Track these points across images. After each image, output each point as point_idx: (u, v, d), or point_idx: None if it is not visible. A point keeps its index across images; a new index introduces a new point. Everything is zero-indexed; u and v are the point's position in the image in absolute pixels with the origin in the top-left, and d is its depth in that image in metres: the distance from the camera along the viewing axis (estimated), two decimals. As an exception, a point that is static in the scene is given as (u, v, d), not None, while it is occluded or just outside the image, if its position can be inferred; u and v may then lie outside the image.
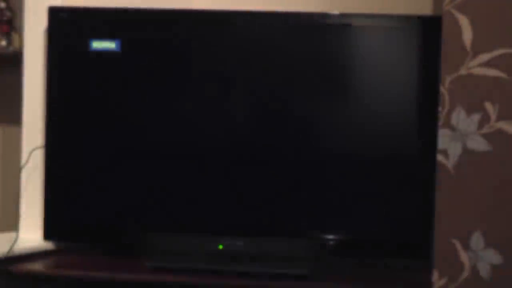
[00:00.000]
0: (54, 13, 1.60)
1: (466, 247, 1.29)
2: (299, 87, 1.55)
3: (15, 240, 1.55)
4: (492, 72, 1.28)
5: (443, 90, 1.30)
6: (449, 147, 1.30)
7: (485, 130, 1.29)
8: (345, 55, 1.55)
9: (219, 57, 1.56)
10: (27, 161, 1.66)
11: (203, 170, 1.56)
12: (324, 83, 1.54)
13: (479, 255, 1.29)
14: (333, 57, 1.55)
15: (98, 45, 1.57)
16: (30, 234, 1.65)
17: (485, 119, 1.29)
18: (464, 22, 1.29)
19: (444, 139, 1.30)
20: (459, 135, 1.30)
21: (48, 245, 1.62)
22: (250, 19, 1.55)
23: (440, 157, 1.31)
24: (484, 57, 1.29)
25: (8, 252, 1.49)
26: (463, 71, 1.30)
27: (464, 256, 1.30)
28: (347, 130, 1.53)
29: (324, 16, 1.54)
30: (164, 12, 1.58)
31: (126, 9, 1.59)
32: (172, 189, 1.56)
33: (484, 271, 1.29)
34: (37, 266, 1.51)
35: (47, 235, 1.61)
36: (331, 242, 1.52)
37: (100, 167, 1.59)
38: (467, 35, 1.29)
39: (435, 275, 1.31)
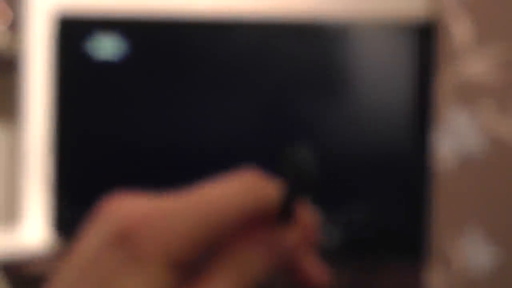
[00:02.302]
0: (55, 13, 1.60)
1: (465, 247, 1.30)
2: (297, 89, 1.55)
3: (15, 240, 1.56)
4: (491, 72, 1.29)
5: (441, 90, 1.31)
6: (446, 147, 1.31)
7: (484, 130, 1.29)
8: (343, 57, 1.55)
9: (218, 60, 1.57)
10: (27, 162, 1.67)
11: (203, 171, 1.56)
12: (323, 85, 1.55)
13: (478, 255, 1.30)
14: (331, 59, 1.55)
15: (98, 45, 1.57)
16: (31, 234, 1.65)
17: (483, 119, 1.29)
18: (462, 22, 1.30)
19: (441, 139, 1.31)
20: (458, 135, 1.30)
21: (50, 245, 1.63)
22: (248, 22, 1.56)
23: (438, 157, 1.31)
24: (483, 57, 1.29)
25: (8, 252, 1.49)
26: (460, 71, 1.30)
27: (463, 256, 1.30)
28: (344, 131, 1.54)
29: (321, 18, 1.55)
30: (166, 14, 1.59)
31: (128, 11, 1.60)
32: (173, 189, 1.57)
33: (483, 270, 1.30)
34: (37, 266, 1.52)
35: (47, 235, 1.62)
36: (330, 242, 1.53)
37: (100, 167, 1.60)
38: (465, 35, 1.30)
39: (433, 275, 1.31)
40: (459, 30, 1.30)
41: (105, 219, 0.28)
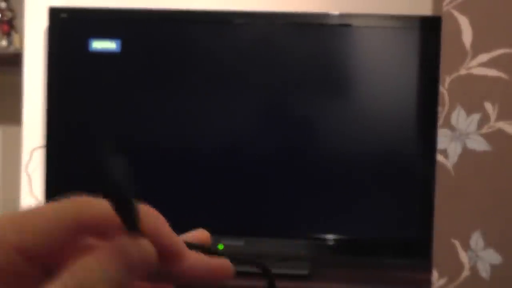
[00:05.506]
0: (54, 13, 1.60)
1: (466, 247, 1.30)
2: (299, 87, 1.55)
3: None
4: (492, 72, 1.29)
5: (443, 90, 1.30)
6: (449, 147, 1.30)
7: (485, 130, 1.29)
8: (345, 55, 1.55)
9: (219, 57, 1.56)
10: (27, 161, 1.67)
11: (203, 170, 1.56)
12: (324, 83, 1.54)
13: (479, 255, 1.29)
14: (333, 57, 1.55)
15: (98, 45, 1.57)
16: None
17: (485, 119, 1.29)
18: (464, 22, 1.29)
19: (444, 139, 1.30)
20: (459, 135, 1.30)
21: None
22: (250, 19, 1.55)
23: (440, 157, 1.31)
24: (484, 57, 1.29)
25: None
26: (463, 71, 1.30)
27: (463, 256, 1.30)
28: (346, 130, 1.53)
29: (324, 16, 1.54)
30: (164, 12, 1.58)
31: (126, 9, 1.59)
32: (172, 189, 1.56)
33: (483, 271, 1.29)
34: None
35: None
36: (331, 242, 1.52)
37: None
38: (467, 35, 1.29)
39: (434, 275, 1.31)
40: (463, 31, 1.30)
41: None
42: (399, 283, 1.45)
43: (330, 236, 1.52)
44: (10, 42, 1.89)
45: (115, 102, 1.60)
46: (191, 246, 0.33)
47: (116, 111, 1.59)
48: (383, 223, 1.52)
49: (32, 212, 0.31)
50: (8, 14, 1.91)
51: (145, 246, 0.31)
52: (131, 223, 0.30)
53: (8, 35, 1.90)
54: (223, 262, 0.34)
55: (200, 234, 0.36)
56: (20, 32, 1.84)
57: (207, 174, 1.56)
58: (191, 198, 1.56)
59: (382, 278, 1.49)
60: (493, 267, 1.29)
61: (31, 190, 1.68)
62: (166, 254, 0.32)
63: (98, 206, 0.32)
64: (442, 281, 1.30)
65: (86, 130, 1.60)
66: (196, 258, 0.34)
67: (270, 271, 0.35)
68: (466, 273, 1.30)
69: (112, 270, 0.29)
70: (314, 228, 1.54)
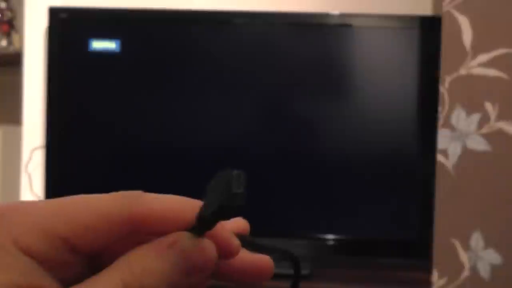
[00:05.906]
0: (54, 13, 1.60)
1: (466, 247, 1.30)
2: (299, 87, 1.55)
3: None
4: (492, 72, 1.29)
5: (443, 90, 1.31)
6: (449, 147, 1.30)
7: (485, 130, 1.29)
8: (345, 55, 1.55)
9: (218, 57, 1.56)
10: (27, 161, 1.67)
11: (203, 170, 1.56)
12: (324, 83, 1.54)
13: (479, 255, 1.29)
14: (333, 57, 1.55)
15: (98, 45, 1.57)
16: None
17: (485, 119, 1.29)
18: (464, 22, 1.29)
19: (444, 139, 1.30)
20: (459, 135, 1.30)
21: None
22: (250, 19, 1.55)
23: (440, 157, 1.31)
24: (484, 57, 1.29)
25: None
26: (463, 71, 1.30)
27: (463, 256, 1.30)
28: (346, 130, 1.53)
29: (324, 16, 1.54)
30: (164, 12, 1.58)
31: (126, 9, 1.59)
32: (172, 189, 1.56)
33: (484, 271, 1.29)
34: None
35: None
36: (331, 242, 1.52)
37: (100, 167, 1.59)
38: (467, 35, 1.29)
39: (434, 275, 1.31)
40: (463, 31, 1.30)
41: None
42: (399, 283, 1.45)
43: (330, 236, 1.53)
44: (10, 42, 1.89)
45: (115, 102, 1.60)
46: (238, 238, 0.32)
47: (116, 111, 1.59)
48: (383, 223, 1.52)
49: (82, 202, 0.30)
50: (8, 14, 1.91)
51: (209, 248, 0.30)
52: (204, 227, 0.29)
53: (8, 35, 1.90)
54: (266, 261, 0.33)
55: (239, 224, 0.35)
56: (20, 32, 1.84)
57: (207, 174, 1.55)
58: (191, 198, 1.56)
59: (382, 278, 1.49)
60: (493, 267, 1.29)
61: (31, 190, 1.68)
62: (221, 254, 0.31)
63: (153, 202, 0.31)
64: (442, 281, 1.30)
65: (86, 130, 1.60)
66: (242, 256, 0.33)
67: (297, 260, 0.34)
68: (466, 273, 1.30)
69: (172, 270, 0.29)
70: (314, 228, 1.54)
